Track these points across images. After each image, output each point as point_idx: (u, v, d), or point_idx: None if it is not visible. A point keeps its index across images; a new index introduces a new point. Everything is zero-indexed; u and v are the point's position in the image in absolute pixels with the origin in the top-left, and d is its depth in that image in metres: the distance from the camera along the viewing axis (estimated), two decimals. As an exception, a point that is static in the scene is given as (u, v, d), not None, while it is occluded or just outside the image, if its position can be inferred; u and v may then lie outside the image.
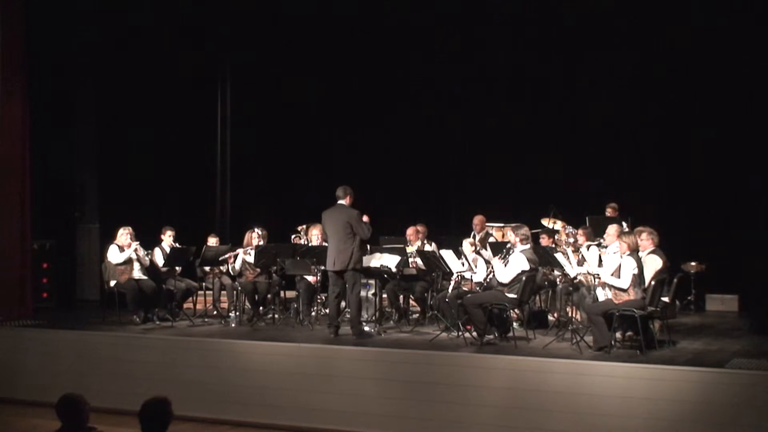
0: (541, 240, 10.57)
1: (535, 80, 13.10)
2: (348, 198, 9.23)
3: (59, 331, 9.98)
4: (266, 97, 14.70)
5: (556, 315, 9.88)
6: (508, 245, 9.08)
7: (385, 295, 10.66)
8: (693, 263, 11.73)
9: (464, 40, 13.43)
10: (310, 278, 10.30)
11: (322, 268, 9.96)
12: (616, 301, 8.10)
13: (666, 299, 8.73)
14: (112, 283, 10.24)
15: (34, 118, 11.40)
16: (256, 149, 14.83)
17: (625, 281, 8.04)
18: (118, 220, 10.78)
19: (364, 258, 9.58)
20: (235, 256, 10.76)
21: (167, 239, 10.77)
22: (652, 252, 8.77)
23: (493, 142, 13.38)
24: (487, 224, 11.33)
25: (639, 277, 8.11)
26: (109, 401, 8.54)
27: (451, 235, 10.63)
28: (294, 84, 14.50)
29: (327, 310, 10.84)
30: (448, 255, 9.42)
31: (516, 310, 9.21)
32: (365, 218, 9.29)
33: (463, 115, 13.62)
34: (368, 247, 10.14)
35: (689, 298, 11.74)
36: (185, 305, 10.75)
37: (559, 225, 11.13)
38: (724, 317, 11.24)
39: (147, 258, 10.46)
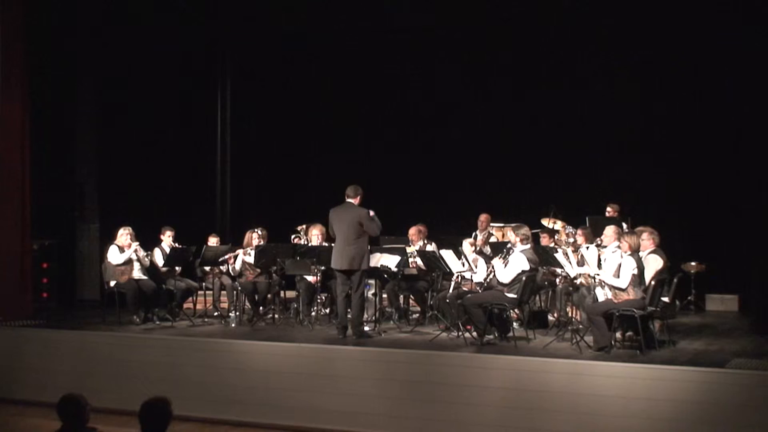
0: (541, 239, 10.58)
1: (535, 80, 13.09)
2: (358, 198, 9.20)
3: (59, 331, 9.97)
4: (266, 97, 14.70)
5: (556, 315, 9.88)
6: (509, 245, 9.08)
7: (385, 295, 10.66)
8: (693, 263, 11.74)
9: (464, 40, 13.43)
10: (310, 278, 10.29)
11: (322, 268, 9.96)
12: (616, 301, 8.10)
13: (666, 299, 8.73)
14: (112, 283, 10.23)
15: (34, 118, 11.40)
16: (257, 149, 14.84)
17: (624, 281, 8.04)
18: (118, 220, 10.77)
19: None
20: (235, 257, 10.76)
21: (167, 239, 10.77)
22: (653, 252, 8.78)
23: (494, 142, 13.38)
24: (490, 224, 11.35)
25: (639, 277, 8.11)
26: (109, 401, 8.53)
27: (452, 235, 10.62)
28: (294, 84, 14.51)
29: (327, 310, 10.88)
30: (448, 255, 9.42)
31: (516, 310, 9.21)
32: (371, 212, 9.24)
33: (464, 114, 13.61)
34: (368, 246, 10.12)
35: (689, 298, 11.75)
36: (185, 305, 10.75)
37: (559, 225, 11.13)
38: (724, 317, 11.23)
39: (147, 258, 10.46)
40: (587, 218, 10.43)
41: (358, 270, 9.04)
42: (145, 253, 10.44)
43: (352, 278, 9.08)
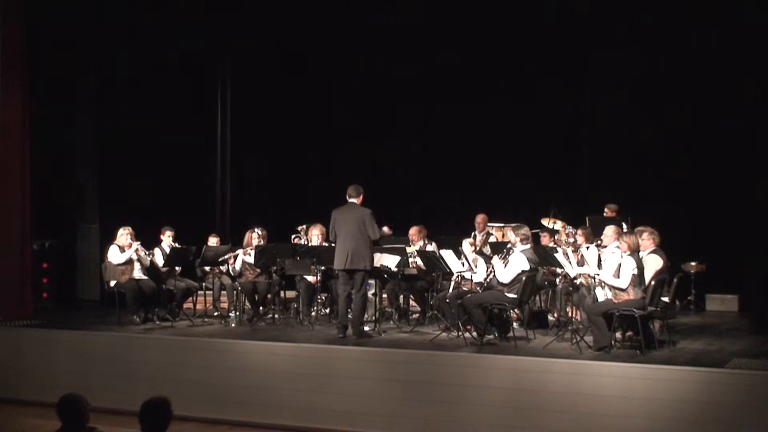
0: (541, 239, 10.58)
1: (535, 80, 13.09)
2: (360, 197, 9.21)
3: (59, 331, 9.97)
4: (266, 97, 14.70)
5: (556, 315, 9.88)
6: (508, 245, 9.08)
7: (385, 295, 10.66)
8: (693, 263, 11.75)
9: (464, 40, 13.42)
10: (310, 278, 10.30)
11: (322, 268, 9.97)
12: (616, 301, 8.10)
13: (666, 299, 8.73)
14: (112, 283, 10.23)
15: (34, 118, 11.40)
16: (256, 149, 14.83)
17: (624, 281, 8.05)
18: (118, 220, 10.77)
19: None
20: (235, 257, 10.76)
21: (167, 239, 10.77)
22: (653, 252, 8.78)
23: (494, 142, 13.38)
24: (488, 224, 11.34)
25: (639, 277, 8.11)
26: (109, 401, 8.52)
27: (452, 235, 10.62)
28: (294, 84, 14.50)
29: (327, 310, 10.88)
30: (448, 255, 9.42)
31: (516, 310, 9.21)
32: (386, 229, 9.25)
33: (464, 114, 13.61)
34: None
35: (689, 298, 11.75)
36: (185, 305, 10.75)
37: (559, 225, 11.12)
38: (724, 317, 11.24)
39: (148, 258, 10.46)
40: (587, 218, 10.43)
41: (362, 270, 9.03)
42: (146, 252, 10.43)
43: (354, 278, 9.07)
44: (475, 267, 9.53)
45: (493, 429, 7.70)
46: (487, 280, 9.15)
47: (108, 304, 10.43)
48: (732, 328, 10.12)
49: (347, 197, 9.21)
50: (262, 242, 10.64)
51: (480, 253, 9.99)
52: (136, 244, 10.27)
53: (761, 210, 10.64)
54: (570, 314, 9.55)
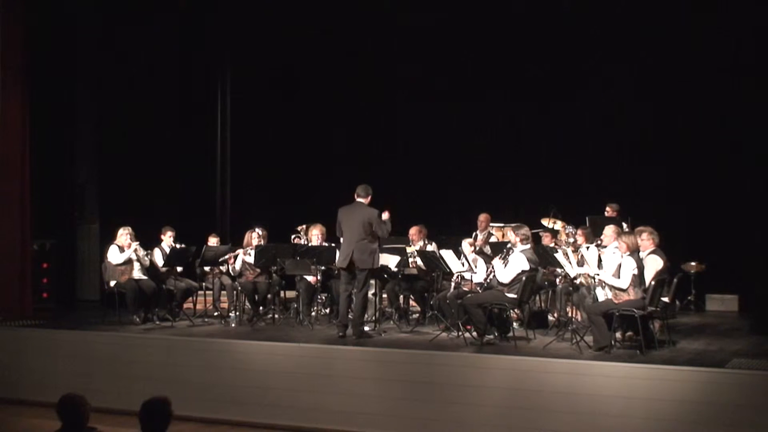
0: (543, 239, 10.58)
1: (535, 81, 13.09)
2: (368, 198, 9.17)
3: (59, 331, 9.98)
4: (266, 97, 14.70)
5: (556, 315, 9.88)
6: (509, 245, 9.08)
7: (385, 295, 10.66)
8: (693, 263, 11.74)
9: (465, 40, 13.42)
10: (310, 278, 10.29)
11: (322, 268, 9.96)
12: (616, 301, 8.10)
13: (666, 299, 8.73)
14: (112, 283, 10.23)
15: (34, 118, 11.40)
16: (256, 149, 14.83)
17: (624, 281, 8.05)
18: (118, 220, 10.77)
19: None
20: (235, 257, 10.76)
21: (167, 239, 10.76)
22: (653, 252, 8.78)
23: (494, 142, 13.39)
24: (490, 224, 11.35)
25: (639, 277, 8.11)
26: (109, 401, 8.54)
27: (452, 235, 10.62)
28: (294, 84, 14.50)
29: (327, 310, 10.88)
30: (448, 255, 9.42)
31: (516, 310, 9.21)
32: (386, 215, 9.20)
33: (464, 114, 13.61)
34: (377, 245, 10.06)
35: (689, 298, 11.75)
36: (185, 305, 10.74)
37: (559, 225, 11.12)
38: (724, 317, 11.24)
39: (147, 258, 10.46)
40: (587, 218, 10.43)
41: (364, 269, 9.01)
42: (145, 253, 10.43)
43: (357, 277, 9.06)
44: (475, 267, 9.53)
45: (493, 429, 7.70)
46: (487, 280, 9.15)
47: (108, 304, 10.42)
48: (732, 328, 10.13)
49: (355, 196, 9.16)
50: (262, 242, 10.64)
51: (480, 252, 9.99)
52: (134, 245, 10.27)
53: (761, 210, 10.65)
54: (570, 314, 9.55)
